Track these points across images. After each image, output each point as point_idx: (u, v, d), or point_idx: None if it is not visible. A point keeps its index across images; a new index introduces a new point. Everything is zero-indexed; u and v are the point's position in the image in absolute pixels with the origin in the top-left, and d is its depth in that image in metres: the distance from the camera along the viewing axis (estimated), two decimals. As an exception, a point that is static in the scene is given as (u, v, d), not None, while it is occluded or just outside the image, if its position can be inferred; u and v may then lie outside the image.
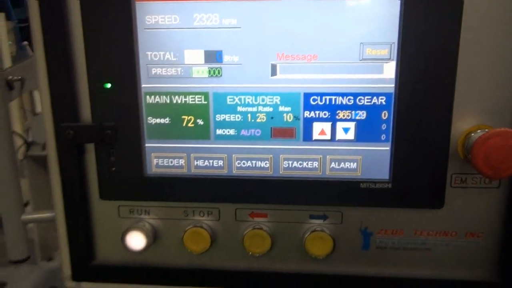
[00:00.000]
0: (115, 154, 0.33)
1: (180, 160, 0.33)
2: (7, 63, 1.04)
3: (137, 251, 0.34)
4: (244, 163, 0.32)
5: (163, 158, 0.33)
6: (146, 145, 0.33)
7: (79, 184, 0.33)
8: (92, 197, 0.34)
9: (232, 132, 0.32)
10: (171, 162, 0.33)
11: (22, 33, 1.25)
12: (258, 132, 0.32)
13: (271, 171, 0.32)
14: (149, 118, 0.32)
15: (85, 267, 0.35)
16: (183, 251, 0.34)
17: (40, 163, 0.67)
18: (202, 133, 0.32)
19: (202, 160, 0.33)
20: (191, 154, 0.33)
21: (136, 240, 0.34)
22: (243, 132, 0.32)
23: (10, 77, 1.19)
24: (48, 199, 0.36)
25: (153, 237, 0.34)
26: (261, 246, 0.33)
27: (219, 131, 0.32)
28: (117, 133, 0.32)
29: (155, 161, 0.33)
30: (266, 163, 0.32)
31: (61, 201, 0.34)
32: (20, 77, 1.23)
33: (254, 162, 0.32)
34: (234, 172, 0.33)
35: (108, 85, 0.31)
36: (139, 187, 0.33)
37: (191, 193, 0.33)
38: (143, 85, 0.32)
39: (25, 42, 1.13)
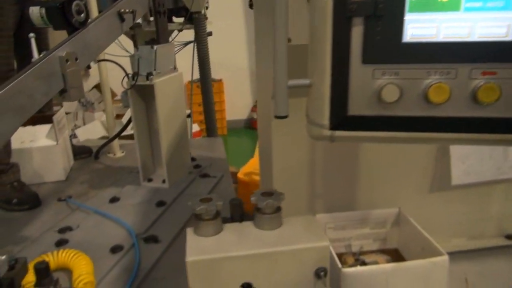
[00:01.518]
0: (380, 25, 0.43)
1: (432, 29, 0.42)
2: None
3: (387, 104, 0.45)
4: (486, 30, 0.42)
5: (418, 27, 0.43)
6: (406, 17, 0.43)
7: (346, 52, 0.44)
8: (354, 62, 0.45)
9: (479, 4, 0.41)
10: (424, 31, 0.43)
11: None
12: (501, 3, 0.41)
13: (508, 36, 0.42)
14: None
15: (341, 118, 0.46)
16: (421, 104, 0.45)
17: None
18: (453, 5, 0.42)
19: (451, 29, 0.42)
20: (442, 24, 0.42)
21: (387, 95, 0.44)
22: (489, 5, 0.41)
23: (122, 9, 1.29)
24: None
25: (400, 94, 0.45)
26: (492, 96, 0.43)
27: (468, 4, 0.41)
28: (386, 7, 0.42)
29: (411, 30, 0.43)
30: (504, 29, 0.41)
31: (329, 65, 0.45)
32: (131, 10, 1.33)
33: (494, 28, 0.42)
34: (476, 38, 0.42)
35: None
36: (396, 52, 0.43)
37: (437, 56, 0.43)
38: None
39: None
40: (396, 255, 1.01)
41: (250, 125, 4.38)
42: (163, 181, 1.51)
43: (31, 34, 1.03)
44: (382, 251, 1.03)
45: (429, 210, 1.06)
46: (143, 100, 1.50)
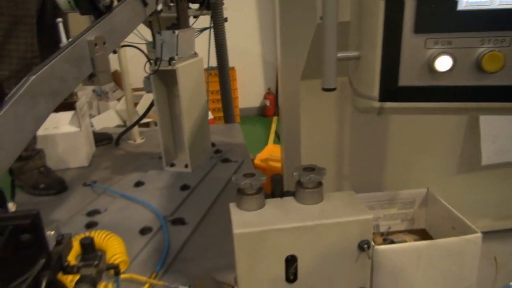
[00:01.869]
0: (436, -6, 0.42)
1: (489, -4, 0.42)
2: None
3: (438, 74, 0.45)
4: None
5: (474, -5, 0.42)
6: (462, -16, 0.42)
7: (399, 22, 0.44)
8: (406, 32, 0.45)
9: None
10: (480, -2, 0.42)
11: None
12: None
13: None
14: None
15: (391, 89, 0.47)
16: (474, 74, 0.44)
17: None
18: (511, -28, 0.41)
19: (507, -4, 0.42)
20: (500, -9, 0.42)
21: (439, 65, 0.44)
22: (548, -31, 0.41)
23: (145, -6, 1.29)
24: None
25: (452, 63, 0.45)
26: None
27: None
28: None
29: (467, -3, 0.43)
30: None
31: (380, 37, 0.45)
32: (154, -6, 1.33)
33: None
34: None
35: None
36: (450, 21, 0.43)
37: (492, 24, 0.43)
38: None
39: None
40: (424, 235, 1.02)
41: (262, 112, 4.38)
42: (186, 166, 1.53)
43: (59, 19, 1.04)
44: (409, 231, 1.03)
45: (457, 191, 1.06)
46: (165, 86, 1.51)
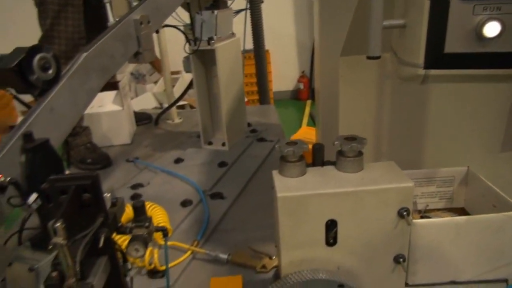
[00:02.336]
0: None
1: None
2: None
3: (486, 40, 0.45)
4: None
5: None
6: (513, -52, 0.42)
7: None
8: (454, -1, 0.45)
9: None
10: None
11: None
12: None
13: None
14: None
15: (437, 56, 0.47)
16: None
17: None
18: None
19: (562, -42, 0.41)
20: (552, -46, 0.42)
21: (487, 31, 0.45)
22: None
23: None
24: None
25: (501, 29, 0.45)
26: None
27: None
28: None
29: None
30: None
31: (427, 4, 0.46)
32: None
33: None
34: None
35: None
36: (500, -15, 0.43)
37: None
38: None
39: None
40: (462, 214, 1.01)
41: (296, 96, 4.37)
42: (223, 144, 1.57)
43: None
44: (448, 210, 1.03)
45: (499, 170, 1.04)
46: (204, 65, 1.55)
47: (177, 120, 2.00)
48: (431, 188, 1.03)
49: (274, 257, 0.97)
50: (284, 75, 4.26)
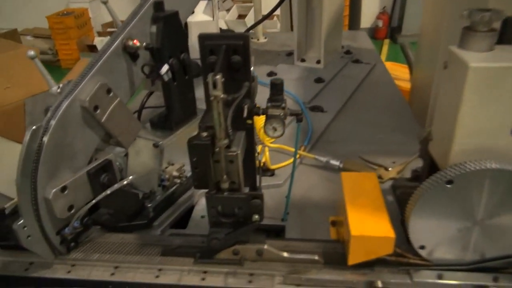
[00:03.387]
0: None
1: None
2: None
3: None
4: None
5: None
6: None
7: None
8: None
9: None
10: None
11: None
12: None
13: None
14: None
15: None
16: None
17: None
18: None
19: None
20: None
21: None
22: None
23: None
24: None
25: None
26: None
27: None
28: None
29: None
30: None
31: None
32: None
33: None
34: None
35: None
36: None
37: None
38: None
39: None
40: None
41: (373, 34, 4.08)
42: (318, 62, 1.48)
43: None
44: None
45: None
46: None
47: (262, 40, 1.91)
48: None
49: (390, 169, 0.90)
50: (362, 11, 3.96)
